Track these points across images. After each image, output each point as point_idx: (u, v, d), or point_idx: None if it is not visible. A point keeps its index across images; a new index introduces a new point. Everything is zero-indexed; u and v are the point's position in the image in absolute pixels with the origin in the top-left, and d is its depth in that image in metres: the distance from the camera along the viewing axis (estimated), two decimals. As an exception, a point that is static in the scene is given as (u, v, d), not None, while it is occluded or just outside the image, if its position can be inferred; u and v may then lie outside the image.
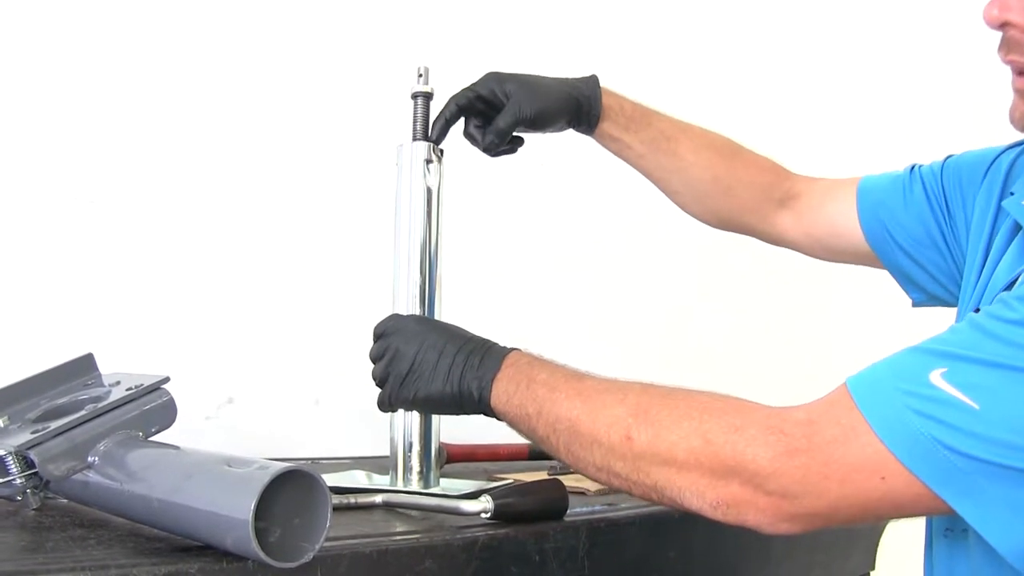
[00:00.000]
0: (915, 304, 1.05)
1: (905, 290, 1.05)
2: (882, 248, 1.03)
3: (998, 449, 0.63)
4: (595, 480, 0.77)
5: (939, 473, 0.64)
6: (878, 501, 0.66)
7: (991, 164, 0.94)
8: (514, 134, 1.02)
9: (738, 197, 1.11)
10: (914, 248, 1.00)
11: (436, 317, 0.96)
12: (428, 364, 0.82)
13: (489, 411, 0.82)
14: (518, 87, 1.00)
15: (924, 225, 0.99)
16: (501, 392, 0.80)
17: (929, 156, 1.04)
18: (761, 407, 0.71)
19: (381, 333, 0.87)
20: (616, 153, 1.10)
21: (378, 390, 0.87)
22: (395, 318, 0.89)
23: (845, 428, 0.66)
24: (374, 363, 0.87)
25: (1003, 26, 0.78)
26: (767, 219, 1.12)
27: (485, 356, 0.82)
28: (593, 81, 1.05)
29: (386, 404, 0.86)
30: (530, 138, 1.05)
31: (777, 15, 2.03)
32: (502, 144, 1.01)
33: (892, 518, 0.72)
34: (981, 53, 0.91)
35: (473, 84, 1.01)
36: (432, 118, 0.99)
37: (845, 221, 1.06)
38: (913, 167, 1.02)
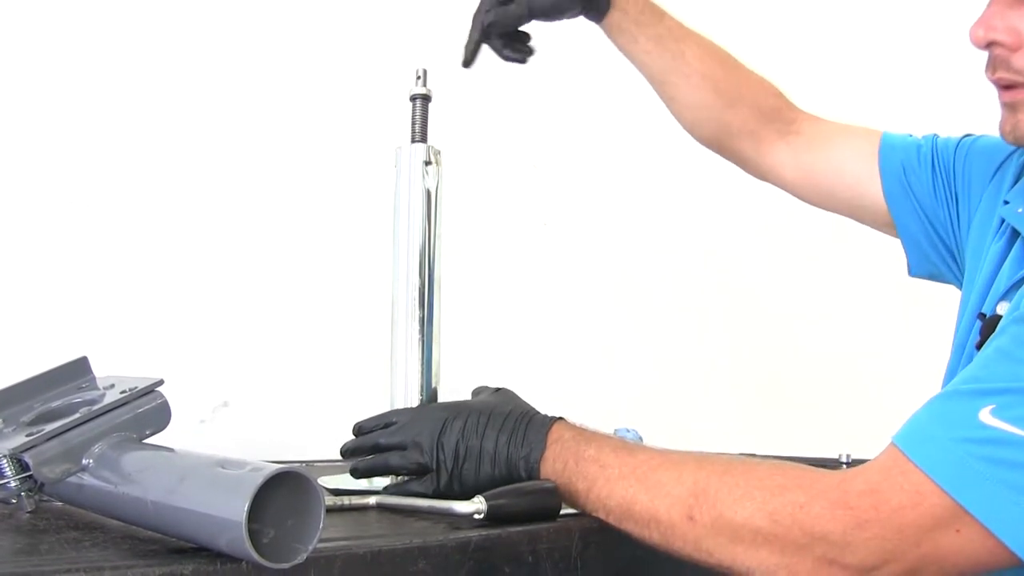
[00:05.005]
0: (912, 274, 1.04)
1: (909, 258, 1.03)
2: (900, 208, 1.00)
3: None
4: None
5: (1009, 521, 0.62)
6: (956, 556, 0.65)
7: (1002, 163, 0.93)
8: (524, 31, 1.02)
9: (737, 114, 1.08)
10: (934, 217, 0.98)
11: (435, 319, 0.96)
12: (473, 452, 0.82)
13: None
14: None
15: (937, 199, 0.98)
16: (549, 471, 0.81)
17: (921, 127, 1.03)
18: (820, 477, 0.70)
19: (393, 422, 0.86)
20: (622, 48, 1.09)
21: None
22: (407, 410, 0.88)
23: (910, 492, 0.65)
24: (389, 450, 0.85)
25: (989, 46, 0.79)
26: (761, 146, 1.09)
27: (527, 431, 0.82)
28: None
29: (431, 495, 0.84)
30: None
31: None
32: (509, 28, 1.01)
33: (978, 574, 0.69)
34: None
35: None
36: (430, 121, 0.98)
37: (859, 172, 1.03)
38: (933, 138, 1.00)
